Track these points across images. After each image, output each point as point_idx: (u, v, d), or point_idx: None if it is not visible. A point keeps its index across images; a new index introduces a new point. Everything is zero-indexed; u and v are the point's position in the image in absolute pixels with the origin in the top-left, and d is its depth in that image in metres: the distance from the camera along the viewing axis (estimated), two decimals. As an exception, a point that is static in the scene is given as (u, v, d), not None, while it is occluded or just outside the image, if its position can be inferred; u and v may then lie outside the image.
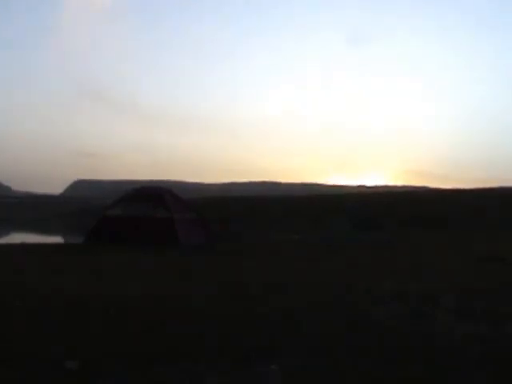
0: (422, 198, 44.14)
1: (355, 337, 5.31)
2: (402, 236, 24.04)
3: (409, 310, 6.68)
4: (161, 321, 5.91)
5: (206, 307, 6.70)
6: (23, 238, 26.27)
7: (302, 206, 42.78)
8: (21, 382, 4.00)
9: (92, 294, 7.44)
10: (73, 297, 7.25)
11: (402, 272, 10.56)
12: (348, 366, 4.41)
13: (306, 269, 11.23)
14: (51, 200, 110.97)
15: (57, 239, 33.43)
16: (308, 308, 6.75)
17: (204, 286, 8.62)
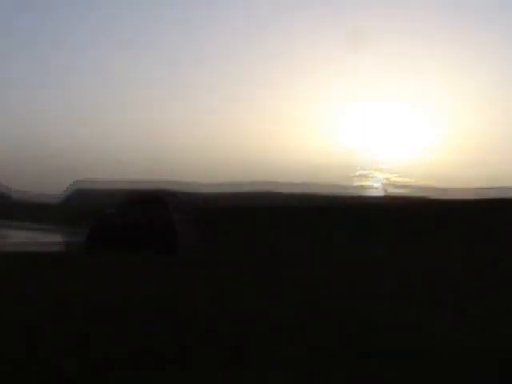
0: (421, 202, 44.06)
1: (355, 337, 5.31)
2: (402, 238, 23.99)
3: (410, 310, 6.68)
4: (161, 321, 5.91)
5: (205, 307, 6.71)
6: (22, 238, 26.22)
7: (302, 206, 42.65)
8: (21, 382, 3.99)
9: (92, 294, 7.44)
10: (72, 297, 7.25)
11: (401, 273, 10.57)
12: (348, 366, 4.41)
13: (306, 270, 11.23)
14: (51, 199, 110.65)
15: (56, 238, 33.36)
16: (308, 309, 6.75)
17: (203, 286, 8.63)
